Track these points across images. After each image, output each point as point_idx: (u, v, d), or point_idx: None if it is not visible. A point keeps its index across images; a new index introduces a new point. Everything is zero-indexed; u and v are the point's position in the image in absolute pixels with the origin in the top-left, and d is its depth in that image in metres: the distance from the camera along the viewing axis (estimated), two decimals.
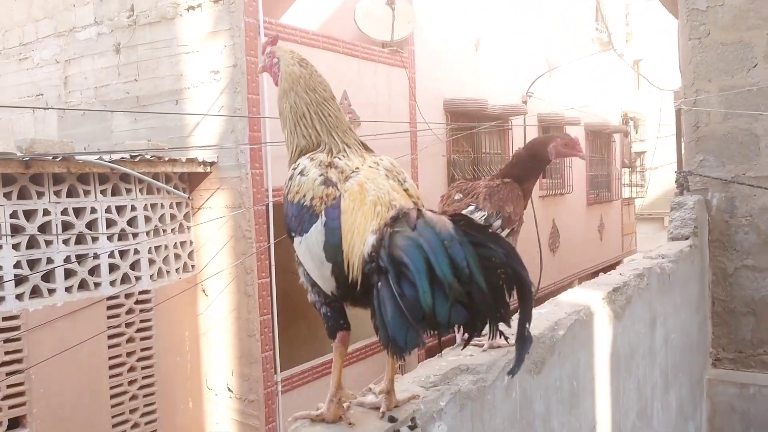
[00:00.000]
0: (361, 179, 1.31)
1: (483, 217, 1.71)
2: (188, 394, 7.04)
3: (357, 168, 1.35)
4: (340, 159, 1.39)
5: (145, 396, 6.41)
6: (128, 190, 6.32)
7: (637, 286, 2.82)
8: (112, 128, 7.80)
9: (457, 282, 1.03)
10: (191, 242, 7.05)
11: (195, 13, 7.03)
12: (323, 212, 1.27)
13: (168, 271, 6.72)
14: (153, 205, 6.57)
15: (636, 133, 19.17)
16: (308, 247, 1.27)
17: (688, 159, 4.56)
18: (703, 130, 4.46)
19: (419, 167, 9.33)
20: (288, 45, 7.74)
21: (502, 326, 1.12)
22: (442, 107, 9.88)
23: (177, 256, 6.84)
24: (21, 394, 5.41)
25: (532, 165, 1.89)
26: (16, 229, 5.45)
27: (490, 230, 1.72)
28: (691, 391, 3.89)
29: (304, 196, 1.32)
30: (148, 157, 6.28)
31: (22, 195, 5.51)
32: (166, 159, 6.50)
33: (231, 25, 6.75)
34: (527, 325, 1.13)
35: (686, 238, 4.08)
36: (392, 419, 1.27)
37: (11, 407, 5.36)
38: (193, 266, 7.07)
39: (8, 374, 5.32)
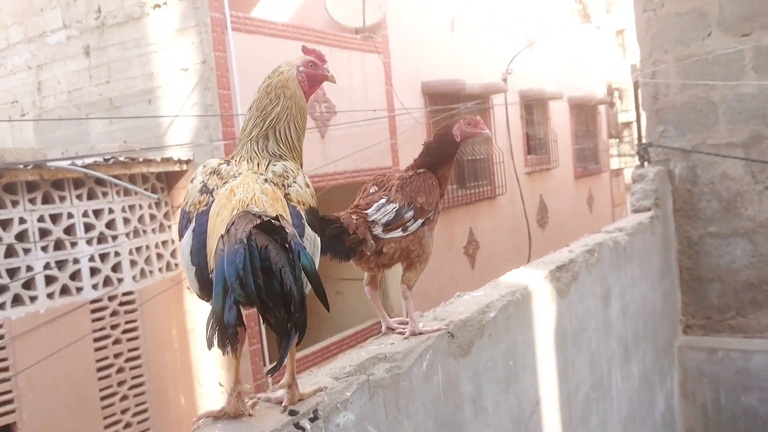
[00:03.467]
0: (235, 183, 1.35)
1: (395, 209, 1.76)
2: (180, 390, 7.11)
3: (239, 173, 1.38)
4: (227, 165, 1.43)
5: (135, 396, 6.48)
6: (104, 194, 6.34)
7: (586, 262, 2.86)
8: (88, 131, 7.81)
9: (238, 284, 1.07)
10: (173, 241, 7.09)
11: (161, 11, 7.01)
12: (194, 218, 1.32)
13: (151, 271, 6.76)
14: (131, 207, 6.60)
15: (622, 103, 19.13)
16: (182, 251, 1.33)
17: (649, 130, 4.58)
18: (662, 101, 4.48)
19: (400, 151, 9.35)
20: (257, 38, 7.72)
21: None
22: (420, 90, 9.88)
23: (159, 256, 6.88)
24: (9, 402, 5.48)
25: (442, 151, 1.92)
26: None
27: (401, 220, 1.78)
28: (658, 360, 3.96)
29: (187, 203, 1.38)
30: (122, 159, 6.31)
31: None
32: (141, 160, 6.51)
33: (197, 21, 6.75)
34: (290, 328, 1.15)
35: (648, 210, 4.12)
36: (293, 412, 1.32)
37: (1, 415, 5.43)
38: (176, 264, 7.11)
39: None
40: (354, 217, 1.71)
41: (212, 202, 1.32)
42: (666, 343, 4.20)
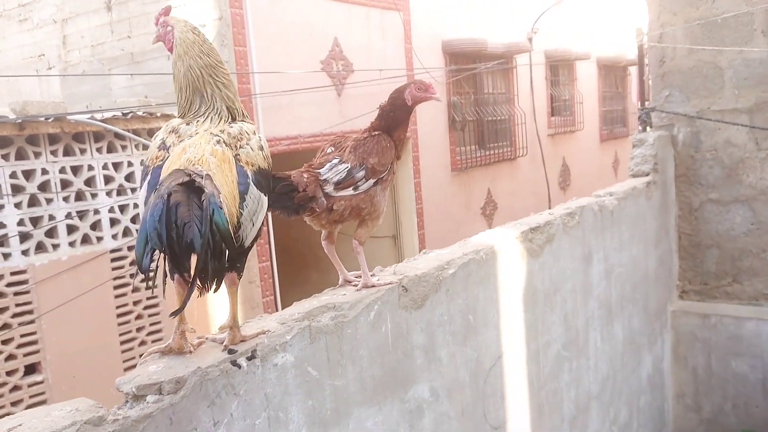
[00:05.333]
0: (188, 143, 1.45)
1: (346, 169, 1.85)
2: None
3: (195, 133, 1.49)
4: (187, 125, 1.54)
5: (153, 342, 6.79)
6: (123, 147, 6.54)
7: (565, 224, 2.92)
8: (110, 86, 8.00)
9: (155, 234, 1.20)
10: None
11: None
12: (151, 172, 1.44)
13: None
14: None
15: None
16: (140, 201, 1.46)
17: (654, 95, 4.54)
18: (668, 65, 4.42)
19: (418, 111, 9.33)
20: None
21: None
22: (440, 49, 9.79)
23: None
24: (34, 342, 5.82)
25: (396, 115, 2.00)
26: (16, 189, 5.74)
27: (352, 180, 1.88)
28: (647, 323, 4.02)
29: (147, 157, 1.50)
30: (140, 113, 6.48)
31: (20, 156, 5.77)
32: (159, 114, 6.67)
33: None
34: (201, 274, 1.28)
35: (646, 175, 4.13)
36: (231, 351, 1.46)
37: (26, 354, 5.78)
38: None
39: (20, 324, 5.72)
40: (305, 175, 1.81)
41: (167, 158, 1.44)
42: (658, 306, 4.26)
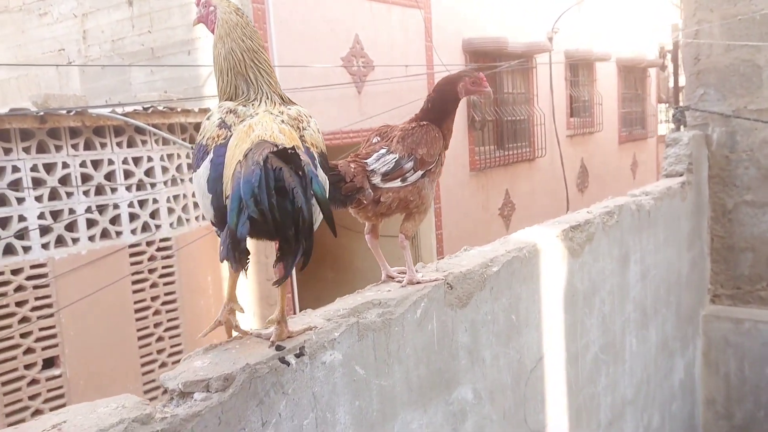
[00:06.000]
0: (252, 121, 1.40)
1: (394, 160, 1.77)
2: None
3: (255, 113, 1.44)
4: (243, 106, 1.48)
5: (171, 338, 6.76)
6: (144, 142, 6.50)
7: (604, 224, 2.83)
8: (130, 81, 7.97)
9: (253, 201, 1.14)
10: None
11: None
12: (212, 150, 1.37)
13: (187, 219, 6.95)
14: (169, 156, 6.75)
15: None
16: (197, 181, 1.40)
17: (688, 93, 4.43)
18: (704, 63, 4.30)
19: None
20: None
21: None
22: (460, 47, 9.71)
23: (196, 204, 7.07)
24: (53, 336, 5.79)
25: (444, 106, 1.91)
26: (37, 182, 5.72)
27: (400, 171, 1.80)
28: (680, 327, 3.91)
29: (203, 136, 1.43)
30: (160, 108, 6.44)
31: (41, 149, 5.75)
32: (179, 110, 6.63)
33: None
34: (296, 247, 1.22)
35: (680, 175, 4.02)
36: (279, 347, 1.38)
37: (44, 348, 5.75)
38: None
39: (39, 318, 5.69)
40: (352, 165, 1.74)
41: (230, 136, 1.38)
42: (691, 311, 4.15)
